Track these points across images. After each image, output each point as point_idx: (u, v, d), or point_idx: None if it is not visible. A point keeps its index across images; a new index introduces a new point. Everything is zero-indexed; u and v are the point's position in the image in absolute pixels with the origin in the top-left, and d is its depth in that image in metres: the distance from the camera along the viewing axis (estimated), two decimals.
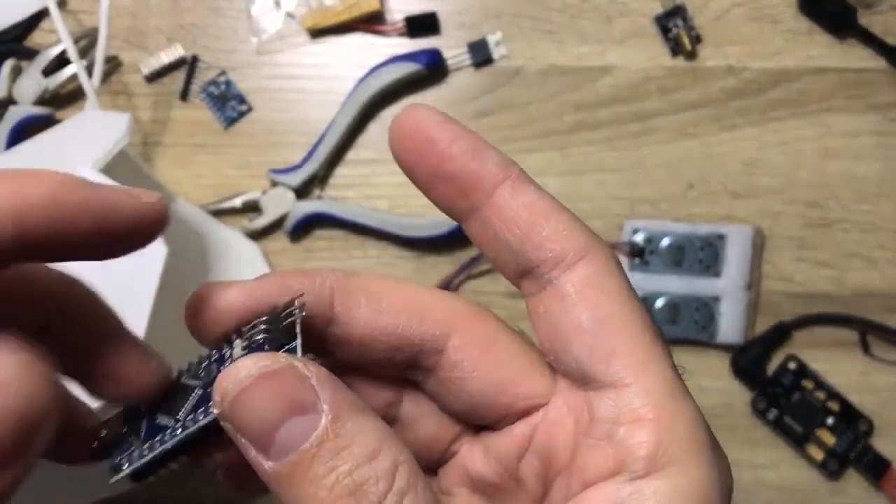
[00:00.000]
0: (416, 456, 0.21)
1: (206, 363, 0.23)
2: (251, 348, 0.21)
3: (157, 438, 0.21)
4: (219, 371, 0.20)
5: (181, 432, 0.21)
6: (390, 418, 0.24)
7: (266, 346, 0.20)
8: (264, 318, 0.21)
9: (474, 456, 0.24)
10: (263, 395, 0.19)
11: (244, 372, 0.19)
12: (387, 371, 0.23)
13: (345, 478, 0.18)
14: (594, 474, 0.21)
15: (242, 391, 0.19)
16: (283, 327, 0.21)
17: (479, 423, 0.24)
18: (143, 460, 0.21)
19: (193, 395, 0.22)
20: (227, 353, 0.22)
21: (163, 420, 0.22)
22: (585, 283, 0.21)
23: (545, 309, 0.22)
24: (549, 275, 0.22)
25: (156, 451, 0.21)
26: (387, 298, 0.23)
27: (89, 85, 0.50)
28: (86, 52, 0.53)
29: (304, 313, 0.21)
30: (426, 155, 0.23)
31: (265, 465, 0.19)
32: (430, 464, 0.25)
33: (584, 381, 0.21)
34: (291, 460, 0.19)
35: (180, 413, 0.21)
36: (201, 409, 0.21)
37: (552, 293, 0.22)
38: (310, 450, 0.19)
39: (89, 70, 0.51)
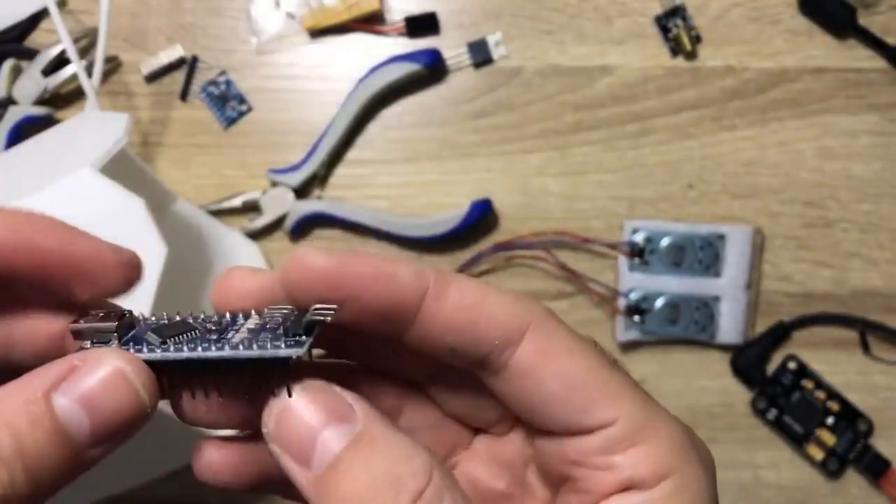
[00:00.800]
0: None
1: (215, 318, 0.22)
2: (264, 327, 0.21)
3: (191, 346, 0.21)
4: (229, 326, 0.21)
5: (231, 351, 0.20)
6: None
7: (279, 330, 0.21)
8: (292, 309, 0.21)
9: (476, 465, 0.25)
10: (303, 409, 0.20)
11: (285, 395, 0.21)
12: (455, 363, 0.23)
13: (383, 473, 0.20)
14: (603, 492, 0.22)
15: (285, 408, 0.21)
16: (305, 322, 0.21)
17: (539, 427, 0.24)
18: (182, 355, 0.21)
19: (238, 324, 0.21)
20: (240, 321, 0.22)
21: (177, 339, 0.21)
22: (538, 354, 0.22)
23: (510, 389, 0.23)
24: (501, 359, 0.22)
25: (196, 353, 0.21)
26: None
27: (89, 85, 0.50)
28: (86, 52, 0.53)
29: (328, 320, 0.21)
30: (334, 298, 0.21)
31: (305, 476, 0.20)
32: None
33: (569, 433, 0.22)
34: (330, 464, 0.20)
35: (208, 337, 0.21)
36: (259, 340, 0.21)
37: (511, 373, 0.22)
38: (348, 451, 0.20)
39: (89, 70, 0.51)
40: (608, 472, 0.22)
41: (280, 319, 0.21)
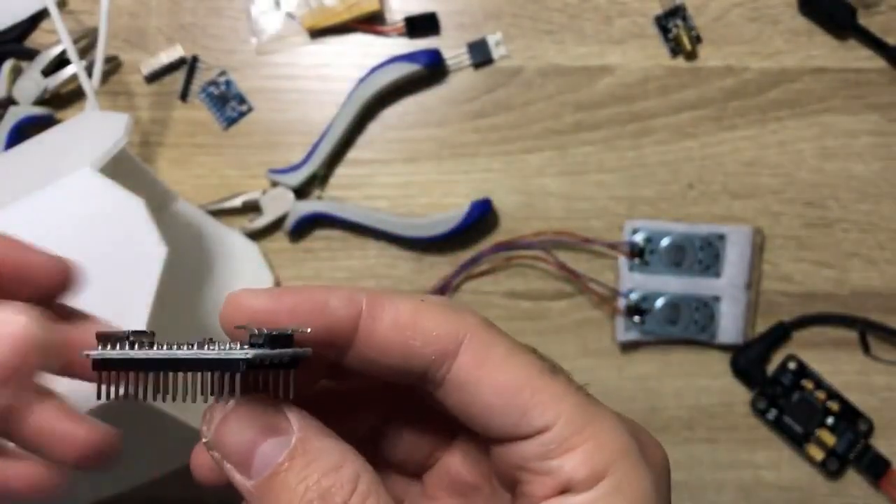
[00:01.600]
0: (404, 461, 0.26)
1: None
2: (251, 344, 0.21)
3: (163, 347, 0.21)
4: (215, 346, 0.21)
5: (196, 349, 0.21)
6: (378, 431, 0.26)
7: (266, 346, 0.21)
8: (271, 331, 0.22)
9: (454, 460, 0.26)
10: (241, 421, 0.22)
11: (223, 406, 0.22)
12: (398, 380, 0.24)
13: (314, 484, 0.21)
14: (542, 496, 0.22)
15: (224, 419, 0.22)
16: (266, 335, 0.21)
17: (483, 436, 0.24)
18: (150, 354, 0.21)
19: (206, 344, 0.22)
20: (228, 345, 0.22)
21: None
22: (473, 366, 0.23)
23: (450, 401, 0.23)
24: (440, 373, 0.23)
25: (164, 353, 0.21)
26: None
27: (89, 85, 0.50)
28: (86, 52, 0.53)
29: (290, 332, 0.22)
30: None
31: (247, 484, 0.22)
32: (417, 469, 0.27)
33: (513, 438, 0.23)
34: (268, 474, 0.21)
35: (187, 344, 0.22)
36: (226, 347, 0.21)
37: (450, 386, 0.23)
38: (283, 464, 0.21)
39: (89, 70, 0.51)
40: (547, 477, 0.22)
41: (261, 342, 0.21)
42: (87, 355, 0.21)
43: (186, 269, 0.46)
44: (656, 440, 0.25)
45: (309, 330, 0.22)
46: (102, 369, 0.22)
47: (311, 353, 0.22)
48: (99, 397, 0.22)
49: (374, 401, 0.26)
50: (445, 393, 0.23)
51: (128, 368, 0.22)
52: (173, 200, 0.51)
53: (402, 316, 0.23)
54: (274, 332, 0.21)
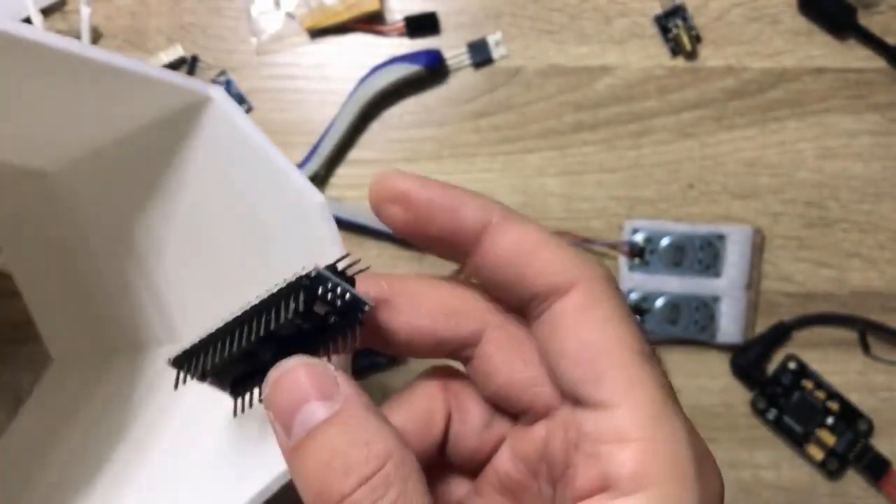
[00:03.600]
0: (463, 456, 0.25)
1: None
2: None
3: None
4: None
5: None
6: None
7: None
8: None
9: (504, 457, 0.26)
10: (295, 380, 0.22)
11: (286, 364, 0.22)
12: (433, 356, 0.25)
13: (341, 454, 0.21)
14: (582, 489, 0.22)
15: (281, 375, 0.22)
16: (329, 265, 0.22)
17: (507, 411, 0.25)
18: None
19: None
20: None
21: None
22: (575, 311, 0.22)
23: (540, 336, 0.23)
24: (542, 306, 0.23)
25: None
26: (426, 302, 0.24)
27: None
28: None
29: (354, 262, 0.23)
30: (409, 223, 0.24)
31: (285, 444, 0.22)
32: (474, 468, 0.26)
33: (576, 401, 0.23)
34: (303, 437, 0.21)
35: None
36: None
37: (546, 322, 0.23)
38: (320, 428, 0.21)
39: None
40: (593, 463, 0.21)
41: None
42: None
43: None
44: (718, 470, 0.23)
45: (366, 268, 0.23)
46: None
47: (373, 306, 0.23)
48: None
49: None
50: (538, 326, 0.23)
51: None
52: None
53: (525, 242, 0.23)
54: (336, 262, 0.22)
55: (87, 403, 0.30)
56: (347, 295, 0.22)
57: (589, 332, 0.22)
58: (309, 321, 0.22)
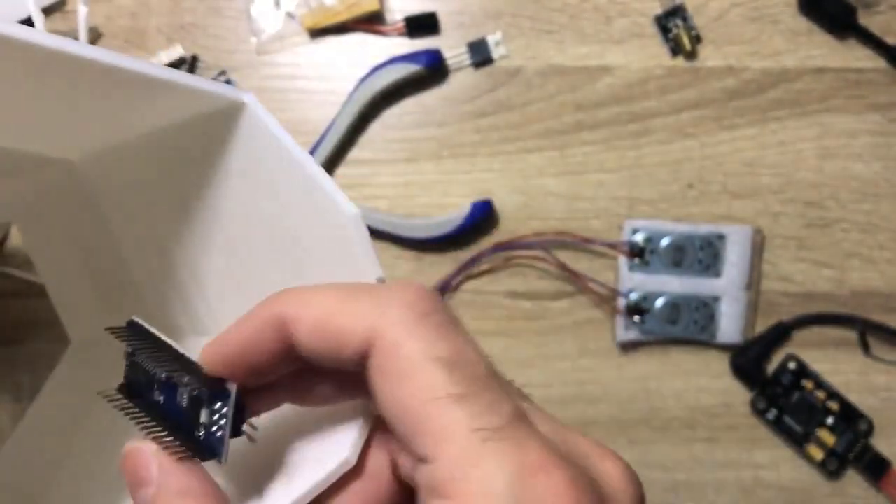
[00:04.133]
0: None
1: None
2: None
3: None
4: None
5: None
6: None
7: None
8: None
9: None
10: (126, 465, 0.24)
11: (127, 446, 0.25)
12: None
13: None
14: None
15: (122, 459, 0.24)
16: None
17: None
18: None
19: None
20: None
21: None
22: (377, 374, 0.22)
23: (371, 399, 0.23)
24: (364, 370, 0.23)
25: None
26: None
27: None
28: None
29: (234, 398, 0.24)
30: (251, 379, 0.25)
31: None
32: None
33: (413, 455, 0.22)
34: None
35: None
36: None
37: (369, 385, 0.23)
38: None
39: None
40: None
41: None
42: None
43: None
44: (619, 468, 0.22)
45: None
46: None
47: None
48: None
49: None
50: (370, 390, 0.22)
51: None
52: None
53: (320, 318, 0.23)
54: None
55: (110, 384, 0.30)
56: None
57: (393, 392, 0.21)
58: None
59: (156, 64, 0.26)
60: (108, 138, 0.34)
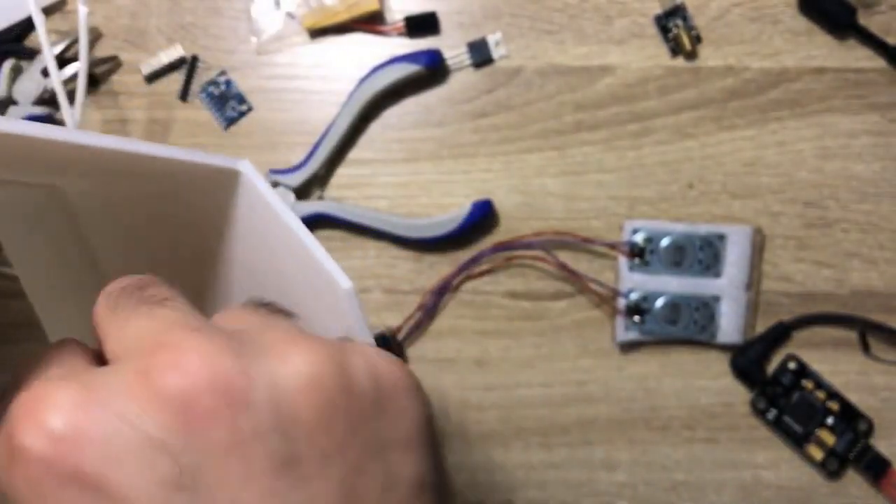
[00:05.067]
0: None
1: None
2: None
3: None
4: None
5: None
6: None
7: None
8: None
9: None
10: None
11: None
12: None
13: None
14: None
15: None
16: None
17: None
18: None
19: None
20: None
21: None
22: None
23: None
24: None
25: None
26: None
27: (81, 87, 0.50)
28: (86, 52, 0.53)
29: None
30: None
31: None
32: None
33: None
34: None
35: None
36: None
37: None
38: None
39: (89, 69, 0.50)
40: None
41: None
42: None
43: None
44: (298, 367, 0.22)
45: None
46: None
47: None
48: None
49: None
50: None
51: None
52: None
53: None
54: None
55: None
56: None
57: None
58: None
59: (148, 144, 0.26)
60: (99, 175, 0.34)
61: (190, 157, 0.27)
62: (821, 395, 0.51)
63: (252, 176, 0.29)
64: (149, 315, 0.23)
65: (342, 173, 0.54)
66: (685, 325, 0.51)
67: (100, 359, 0.24)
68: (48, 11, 0.55)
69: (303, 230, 0.28)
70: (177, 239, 0.33)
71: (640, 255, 0.51)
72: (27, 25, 0.55)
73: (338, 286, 0.27)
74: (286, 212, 0.28)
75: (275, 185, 0.53)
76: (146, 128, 0.55)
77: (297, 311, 0.27)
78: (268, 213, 0.28)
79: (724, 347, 0.52)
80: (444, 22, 0.54)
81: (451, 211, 0.52)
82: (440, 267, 0.53)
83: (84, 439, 0.19)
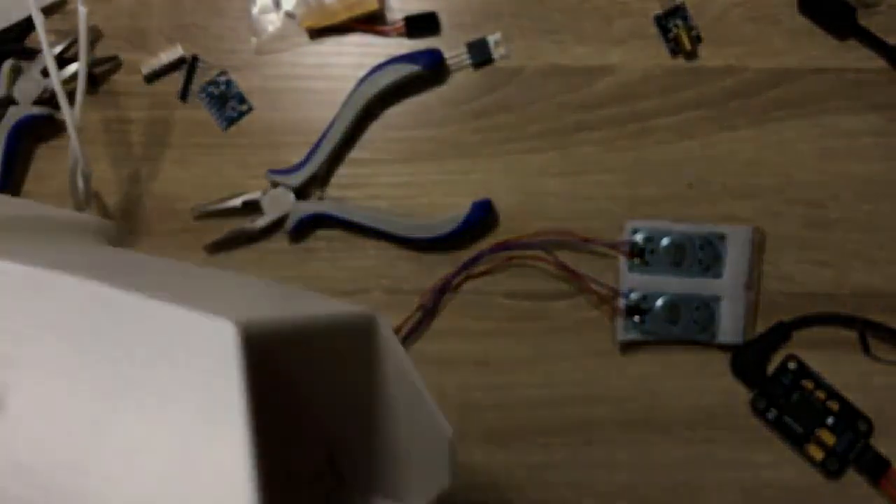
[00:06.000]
0: None
1: None
2: None
3: None
4: None
5: None
6: None
7: None
8: None
9: None
10: None
11: None
12: None
13: None
14: None
15: None
16: None
17: None
18: None
19: None
20: None
21: None
22: None
23: None
24: None
25: None
26: None
27: (81, 86, 0.50)
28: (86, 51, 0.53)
29: None
30: None
31: None
32: None
33: None
34: None
35: None
36: None
37: None
38: None
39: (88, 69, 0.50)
40: None
41: None
42: None
43: None
44: None
45: None
46: None
47: None
48: None
49: None
50: None
51: None
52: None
53: None
54: None
55: None
56: None
57: None
58: None
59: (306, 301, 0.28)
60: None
61: (335, 309, 0.31)
62: (821, 395, 0.51)
63: (386, 327, 0.32)
64: None
65: (342, 173, 0.54)
66: (685, 326, 0.51)
67: None
68: (48, 11, 0.55)
69: (421, 381, 0.32)
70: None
71: (640, 255, 0.51)
72: (27, 25, 0.55)
73: (440, 433, 0.31)
74: (410, 361, 0.32)
75: (275, 185, 0.53)
76: (146, 128, 0.55)
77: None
78: (395, 359, 0.32)
79: (724, 347, 0.52)
80: (444, 22, 0.54)
81: (451, 211, 0.52)
82: (440, 267, 0.53)
83: None
